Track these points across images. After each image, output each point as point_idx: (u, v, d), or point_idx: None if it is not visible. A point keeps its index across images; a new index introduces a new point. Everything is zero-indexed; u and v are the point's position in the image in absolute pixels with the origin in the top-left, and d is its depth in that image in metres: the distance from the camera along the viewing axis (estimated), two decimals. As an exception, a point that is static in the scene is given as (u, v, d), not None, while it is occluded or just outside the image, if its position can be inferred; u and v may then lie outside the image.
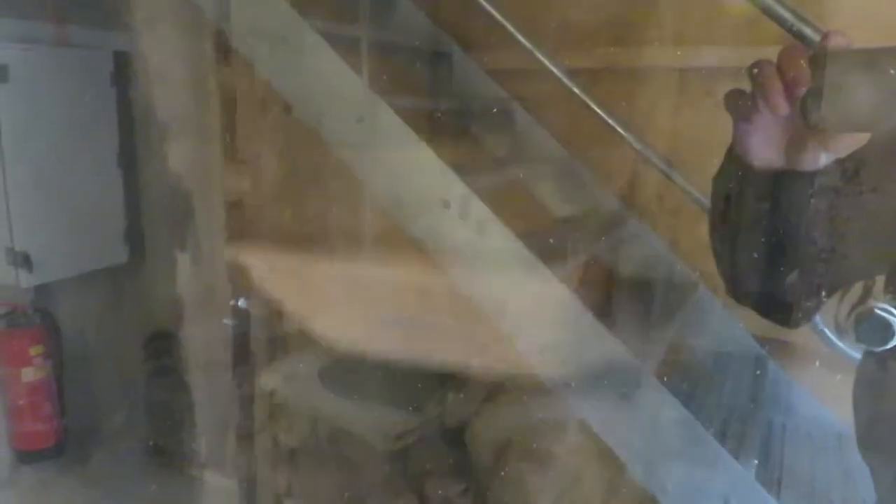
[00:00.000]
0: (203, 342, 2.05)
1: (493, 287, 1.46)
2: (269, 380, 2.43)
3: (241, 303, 1.94)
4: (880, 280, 0.72)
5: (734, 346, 1.98)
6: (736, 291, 0.79)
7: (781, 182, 0.68)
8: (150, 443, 2.75)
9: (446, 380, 2.24)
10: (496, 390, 2.20)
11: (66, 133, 2.55)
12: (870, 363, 0.76)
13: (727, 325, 1.99)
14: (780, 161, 0.67)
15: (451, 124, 2.17)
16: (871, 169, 0.66)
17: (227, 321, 1.94)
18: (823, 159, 0.65)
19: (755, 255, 0.73)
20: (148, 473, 2.70)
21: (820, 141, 0.64)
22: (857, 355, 0.81)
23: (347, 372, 2.34)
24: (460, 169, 1.48)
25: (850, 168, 0.66)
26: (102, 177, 2.70)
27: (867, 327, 0.68)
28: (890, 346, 0.69)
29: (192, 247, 1.98)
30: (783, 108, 0.62)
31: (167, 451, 2.68)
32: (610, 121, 1.88)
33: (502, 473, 2.01)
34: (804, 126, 0.63)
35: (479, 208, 1.44)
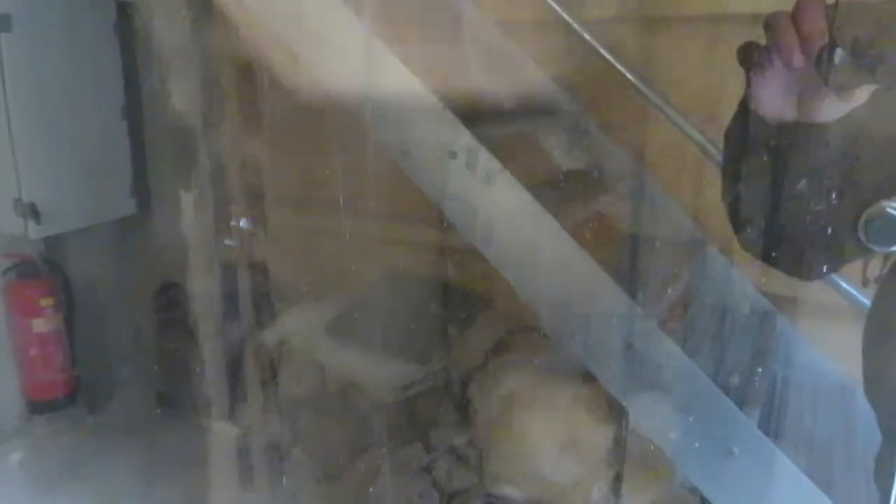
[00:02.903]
0: (208, 284, 2.06)
1: (499, 238, 1.46)
2: (277, 331, 2.45)
3: (243, 223, 1.93)
4: None
5: (741, 302, 1.98)
6: (749, 244, 0.79)
7: (795, 134, 0.67)
8: (160, 392, 2.79)
9: (451, 332, 2.25)
10: (502, 341, 2.21)
11: (71, 84, 2.53)
12: (882, 304, 0.76)
13: (735, 281, 1.99)
14: (793, 113, 0.66)
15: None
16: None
17: (230, 242, 1.94)
18: (837, 111, 0.64)
19: (768, 208, 0.72)
20: (157, 423, 2.74)
21: (834, 93, 0.63)
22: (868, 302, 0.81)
23: (354, 324, 2.36)
24: (467, 121, 1.46)
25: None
26: (107, 128, 2.69)
27: (878, 227, 0.66)
28: None
29: (196, 186, 1.97)
30: (798, 61, 0.61)
31: (176, 400, 2.72)
32: (623, 70, 1.86)
33: (506, 424, 2.04)
34: (819, 79, 0.61)
35: (487, 159, 1.42)
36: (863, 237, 0.67)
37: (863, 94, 0.62)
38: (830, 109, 0.64)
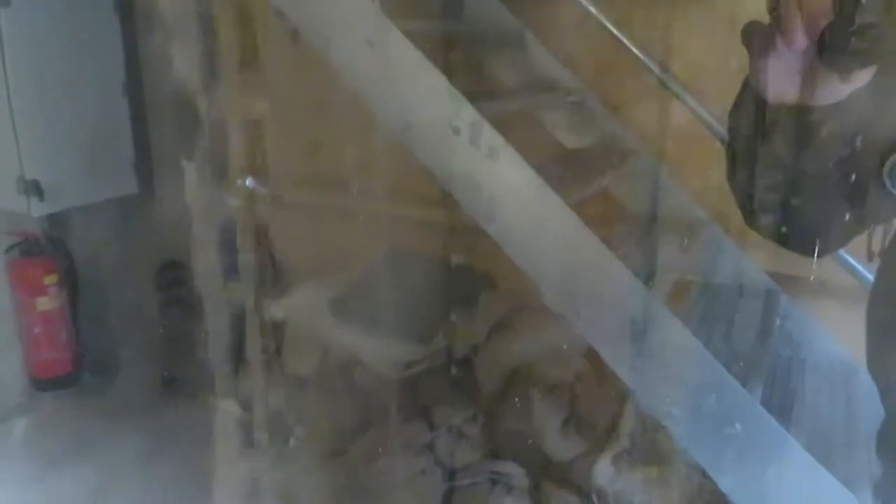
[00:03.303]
0: (211, 258, 2.05)
1: (503, 215, 1.45)
2: (280, 309, 2.46)
3: (249, 182, 1.92)
4: None
5: (745, 281, 1.98)
6: (756, 224, 0.79)
7: (798, 117, 0.66)
8: (163, 370, 2.80)
9: (454, 310, 2.25)
10: (504, 319, 2.22)
11: (71, 60, 2.52)
12: (885, 277, 0.76)
13: (738, 261, 1.98)
14: (796, 95, 0.66)
15: (462, 52, 2.12)
16: None
17: (234, 201, 1.92)
18: (840, 93, 0.64)
19: (775, 187, 0.72)
20: (162, 400, 2.76)
21: (837, 75, 0.62)
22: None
23: (357, 302, 2.36)
24: (470, 97, 1.45)
25: None
26: (109, 105, 2.67)
27: None
28: None
29: (199, 155, 1.96)
30: (801, 42, 0.61)
31: (180, 378, 2.73)
32: (629, 44, 1.84)
33: (509, 400, 2.05)
34: (821, 61, 0.61)
35: (490, 134, 1.42)
36: (888, 183, 0.67)
37: (864, 76, 0.62)
38: (833, 91, 0.64)
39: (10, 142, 2.41)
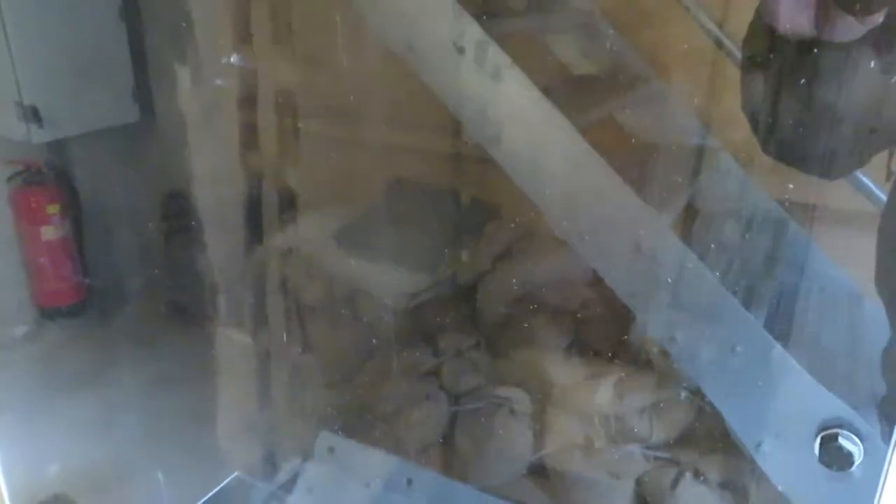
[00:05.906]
0: (211, 170, 2.02)
1: (508, 137, 1.42)
2: (285, 239, 2.45)
3: (235, 59, 1.89)
4: None
5: (755, 209, 1.96)
6: (773, 150, 0.77)
7: (813, 52, 0.64)
8: (170, 300, 2.82)
9: (459, 239, 2.25)
10: (509, 248, 2.21)
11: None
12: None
13: (749, 189, 1.96)
14: (810, 30, 0.63)
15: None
16: None
17: (220, 82, 1.89)
18: (854, 31, 0.62)
19: (789, 115, 0.70)
20: (168, 329, 2.78)
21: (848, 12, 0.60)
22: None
23: (362, 232, 2.35)
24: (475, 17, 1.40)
25: None
26: (105, 30, 2.61)
27: None
28: None
29: (192, 58, 1.92)
30: None
31: (186, 308, 2.75)
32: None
33: (514, 327, 2.06)
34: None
35: (496, 54, 1.38)
36: None
37: (878, 16, 0.59)
38: (848, 28, 0.62)
39: (6, 67, 2.37)
